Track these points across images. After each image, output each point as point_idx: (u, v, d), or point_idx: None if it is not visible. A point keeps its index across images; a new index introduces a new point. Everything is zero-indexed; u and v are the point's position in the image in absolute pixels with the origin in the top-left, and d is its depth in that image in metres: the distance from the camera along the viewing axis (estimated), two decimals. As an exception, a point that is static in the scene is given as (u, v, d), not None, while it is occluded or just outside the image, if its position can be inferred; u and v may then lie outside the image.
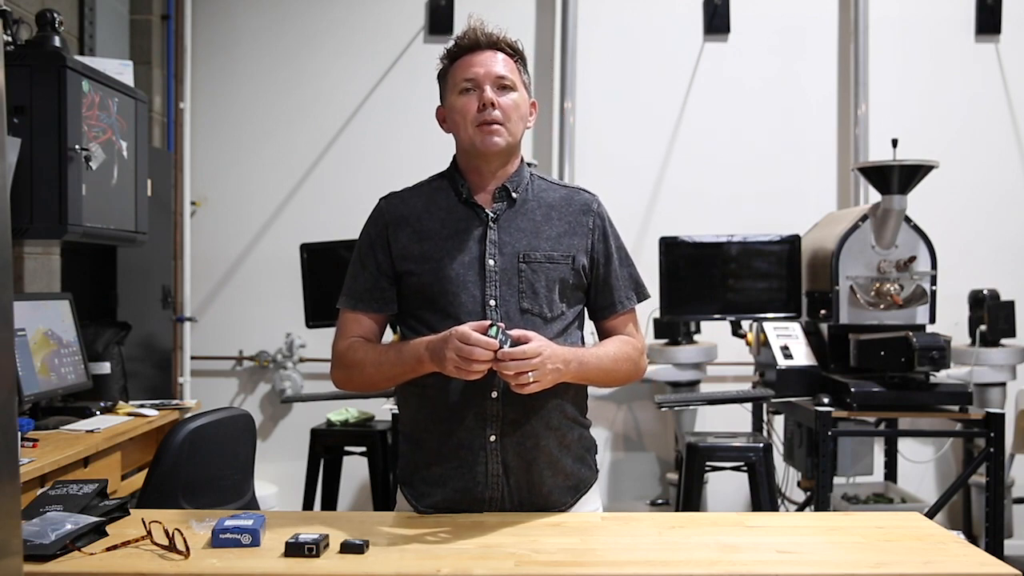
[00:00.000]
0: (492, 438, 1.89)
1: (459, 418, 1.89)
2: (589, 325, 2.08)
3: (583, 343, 2.02)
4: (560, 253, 1.95)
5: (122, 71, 3.56)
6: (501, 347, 1.74)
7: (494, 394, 1.87)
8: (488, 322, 1.77)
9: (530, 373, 1.76)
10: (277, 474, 4.88)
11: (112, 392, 3.50)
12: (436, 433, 1.92)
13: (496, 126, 1.91)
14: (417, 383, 1.92)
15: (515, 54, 1.98)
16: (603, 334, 2.05)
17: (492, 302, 1.89)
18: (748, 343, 4.23)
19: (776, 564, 1.64)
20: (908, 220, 3.76)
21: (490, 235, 1.93)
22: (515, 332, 1.79)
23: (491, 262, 1.91)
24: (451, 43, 1.99)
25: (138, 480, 3.05)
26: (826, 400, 3.65)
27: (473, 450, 1.89)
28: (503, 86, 1.93)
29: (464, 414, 1.89)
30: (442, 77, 2.00)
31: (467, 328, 1.76)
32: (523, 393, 1.79)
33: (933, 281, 3.75)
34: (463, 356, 1.74)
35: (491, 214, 1.95)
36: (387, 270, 1.97)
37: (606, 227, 2.02)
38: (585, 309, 2.05)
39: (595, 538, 1.81)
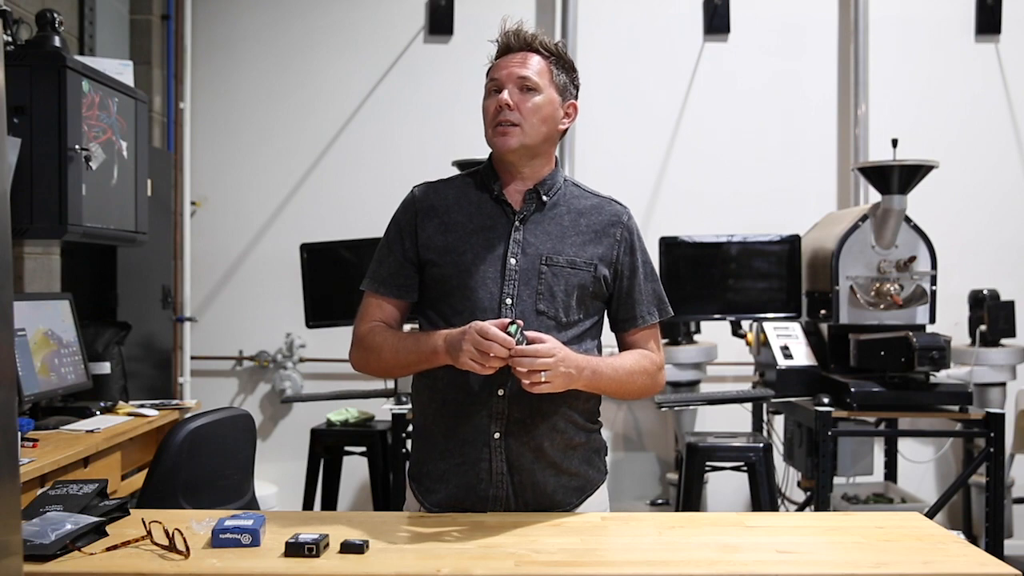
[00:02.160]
0: (496, 435, 1.89)
1: (466, 413, 1.90)
2: (607, 338, 2.07)
3: (599, 353, 2.00)
4: (583, 260, 1.94)
5: (122, 71, 3.55)
6: (518, 345, 1.76)
7: (501, 392, 1.88)
8: (508, 320, 1.79)
9: (543, 373, 1.77)
10: (277, 474, 4.88)
11: (112, 392, 3.50)
12: (444, 427, 1.94)
13: (510, 127, 1.91)
14: (430, 376, 1.93)
15: (551, 55, 1.97)
16: (623, 347, 2.05)
17: (509, 300, 1.90)
18: (748, 343, 4.23)
19: (776, 564, 1.65)
20: (908, 220, 3.76)
21: (515, 234, 1.94)
22: (531, 334, 1.80)
23: (512, 261, 1.92)
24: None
25: (138, 480, 3.05)
26: (826, 400, 3.65)
27: (477, 446, 1.90)
28: (526, 88, 1.93)
29: (472, 409, 1.89)
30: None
31: (487, 324, 1.77)
32: (534, 392, 1.80)
33: (933, 281, 3.75)
34: (480, 351, 1.75)
35: (519, 214, 1.95)
36: (412, 257, 1.98)
37: (634, 240, 2.01)
38: (603, 320, 2.03)
39: (595, 538, 1.81)
